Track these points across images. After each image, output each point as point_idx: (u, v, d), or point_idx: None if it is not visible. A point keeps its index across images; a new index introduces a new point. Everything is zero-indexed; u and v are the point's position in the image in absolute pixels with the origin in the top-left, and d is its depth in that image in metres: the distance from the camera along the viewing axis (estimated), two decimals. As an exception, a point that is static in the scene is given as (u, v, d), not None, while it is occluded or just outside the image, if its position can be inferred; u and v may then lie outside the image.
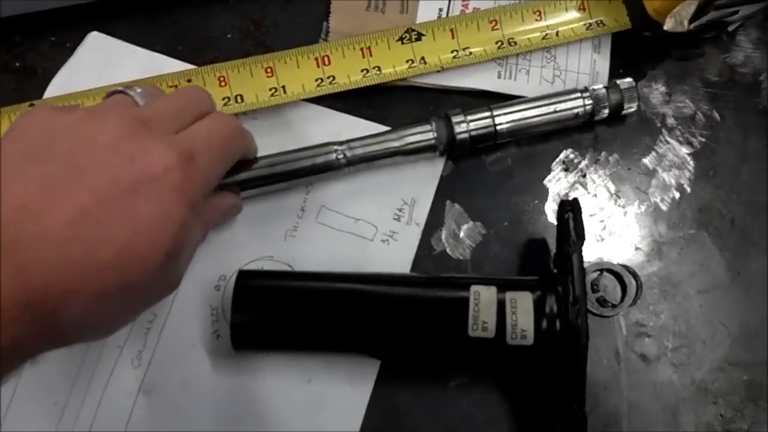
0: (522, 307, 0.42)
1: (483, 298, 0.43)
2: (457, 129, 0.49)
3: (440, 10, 0.55)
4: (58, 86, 0.51)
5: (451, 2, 0.55)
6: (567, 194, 0.51)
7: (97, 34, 0.53)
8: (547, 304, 0.43)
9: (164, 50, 0.53)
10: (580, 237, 0.44)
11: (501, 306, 0.43)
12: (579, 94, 0.51)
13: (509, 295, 0.43)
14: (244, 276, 0.44)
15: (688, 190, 0.51)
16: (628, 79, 0.51)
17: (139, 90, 0.40)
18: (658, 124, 0.53)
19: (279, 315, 0.43)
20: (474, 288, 0.43)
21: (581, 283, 0.42)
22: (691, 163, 0.52)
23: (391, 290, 0.44)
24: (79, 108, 0.37)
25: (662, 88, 0.54)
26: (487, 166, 0.52)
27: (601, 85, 0.51)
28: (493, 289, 0.43)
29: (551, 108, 0.50)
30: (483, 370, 0.47)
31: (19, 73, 0.52)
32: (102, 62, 0.52)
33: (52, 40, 0.53)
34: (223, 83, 0.51)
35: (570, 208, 0.45)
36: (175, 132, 0.38)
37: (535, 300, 0.43)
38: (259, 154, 0.48)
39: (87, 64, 0.52)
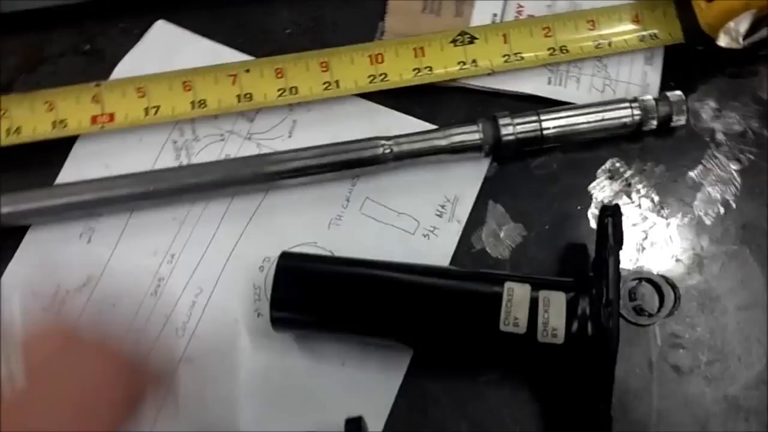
0: (554, 306, 0.43)
1: (516, 294, 0.43)
2: (504, 131, 0.50)
3: (494, 15, 0.56)
4: (124, 70, 0.54)
5: (506, 8, 0.56)
6: (610, 201, 0.51)
7: (163, 23, 0.55)
8: (580, 305, 0.43)
9: (225, 41, 0.55)
10: (618, 242, 0.44)
11: (534, 303, 0.43)
12: (628, 104, 0.51)
13: (543, 294, 0.43)
14: (286, 257, 0.46)
15: (734, 206, 0.51)
16: (678, 92, 0.52)
17: None
18: (707, 139, 0.53)
19: (317, 296, 0.45)
20: (508, 284, 0.44)
21: (616, 286, 0.43)
22: (738, 179, 0.52)
23: (427, 280, 0.45)
24: None
25: (713, 104, 0.54)
26: (532, 170, 0.52)
27: (650, 96, 0.52)
28: (527, 287, 0.44)
29: (599, 116, 0.51)
30: (513, 368, 0.48)
31: (88, 56, 0.55)
32: (167, 49, 0.55)
33: (121, 27, 0.56)
34: (279, 75, 0.53)
35: (610, 213, 0.45)
36: None
37: (569, 300, 0.43)
38: (310, 145, 0.50)
39: (152, 50, 0.55)
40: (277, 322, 0.45)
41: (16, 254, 0.50)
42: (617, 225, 0.45)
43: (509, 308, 0.43)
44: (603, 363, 0.42)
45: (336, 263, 0.47)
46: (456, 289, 0.45)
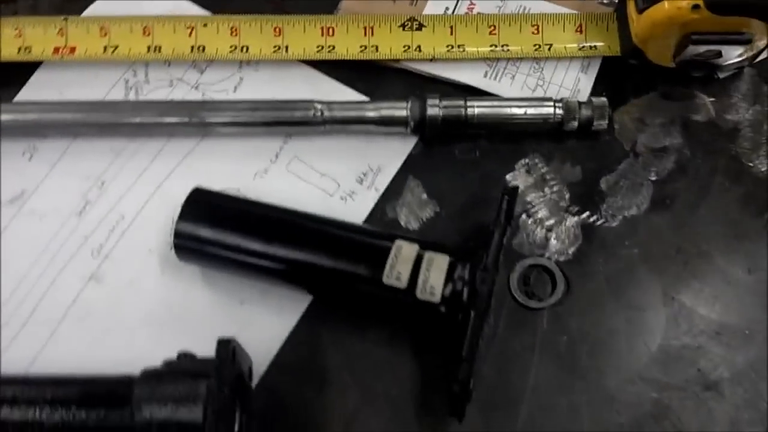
0: (436, 267, 0.45)
1: (404, 251, 0.46)
2: (430, 110, 0.53)
3: (447, 9, 0.59)
4: (94, 11, 0.58)
5: (459, 4, 0.59)
6: (522, 192, 0.53)
7: (133, -27, 0.59)
8: (460, 269, 0.45)
9: (193, -1, 0.59)
10: (507, 218, 0.47)
11: (418, 262, 0.46)
12: (552, 102, 0.54)
13: (428, 254, 0.46)
14: (197, 191, 0.49)
15: (642, 212, 0.53)
16: (602, 98, 0.54)
17: None
18: (627, 149, 0.55)
19: (222, 231, 0.47)
20: (398, 241, 0.46)
21: (495, 256, 0.45)
22: (651, 189, 0.54)
23: (326, 228, 0.48)
24: None
25: (640, 116, 0.56)
26: (455, 154, 0.55)
27: (575, 99, 0.54)
28: (416, 246, 0.46)
29: (522, 109, 0.54)
30: (396, 323, 0.50)
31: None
32: (134, -1, 0.59)
33: (101, -27, 0.60)
34: (234, 33, 0.56)
35: (507, 193, 0.48)
36: None
37: (450, 263, 0.46)
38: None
39: (122, -3, 0.59)
40: (180, 250, 0.48)
41: (-40, 161, 0.54)
42: (510, 204, 0.47)
43: (394, 262, 0.45)
44: (471, 325, 0.44)
45: (244, 204, 0.49)
46: (351, 239, 0.48)
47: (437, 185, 0.54)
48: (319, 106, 0.53)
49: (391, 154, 0.54)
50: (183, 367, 0.44)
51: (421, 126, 0.53)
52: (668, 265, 0.52)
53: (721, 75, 0.57)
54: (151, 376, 0.43)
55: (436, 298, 0.45)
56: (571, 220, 0.53)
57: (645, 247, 0.52)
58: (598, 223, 0.53)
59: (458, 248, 0.47)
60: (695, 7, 0.49)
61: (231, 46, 0.56)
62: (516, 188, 0.48)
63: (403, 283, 0.45)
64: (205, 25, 0.56)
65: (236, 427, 0.44)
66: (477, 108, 0.53)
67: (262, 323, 0.50)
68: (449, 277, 0.45)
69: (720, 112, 0.57)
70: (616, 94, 0.57)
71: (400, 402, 0.48)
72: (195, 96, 0.56)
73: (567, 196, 0.54)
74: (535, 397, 0.48)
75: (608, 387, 0.49)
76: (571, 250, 0.52)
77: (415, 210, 0.53)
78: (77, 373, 0.46)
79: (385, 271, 0.45)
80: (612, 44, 0.57)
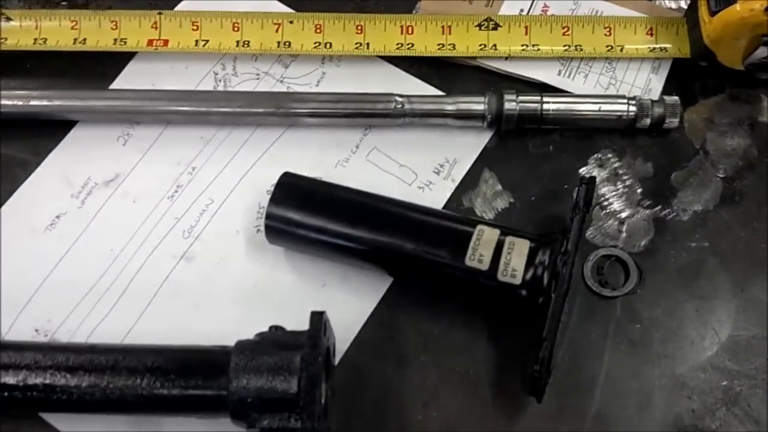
0: (517, 250, 0.47)
1: (486, 235, 0.48)
2: (507, 105, 0.55)
3: (521, 10, 0.61)
4: (186, 6, 0.62)
5: (533, 6, 0.61)
6: (596, 187, 0.55)
7: (227, -27, 0.63)
8: (541, 254, 0.47)
9: (280, -2, 0.62)
10: (586, 204, 0.48)
11: (499, 246, 0.47)
12: (625, 100, 0.56)
13: (509, 239, 0.48)
14: (287, 176, 0.51)
15: (711, 208, 0.55)
16: (675, 97, 0.56)
17: None
18: (697, 146, 0.57)
19: (309, 212, 0.50)
20: (480, 226, 0.48)
21: (575, 241, 0.47)
22: (720, 186, 0.55)
23: (409, 212, 0.50)
24: None
25: (709, 116, 0.58)
26: (529, 148, 0.57)
27: (647, 97, 0.56)
28: (497, 231, 0.48)
29: (597, 106, 0.55)
30: (477, 311, 0.51)
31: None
32: (225, -4, 0.62)
33: (193, -27, 0.63)
34: (318, 30, 0.59)
35: (585, 182, 0.49)
36: None
37: (531, 248, 0.47)
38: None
39: (213, -5, 0.62)
40: (269, 231, 0.50)
41: (60, 144, 0.57)
42: (589, 191, 0.49)
43: (477, 245, 0.47)
44: (552, 307, 0.45)
45: (332, 188, 0.52)
46: (433, 223, 0.50)
47: (511, 177, 0.56)
48: (399, 99, 0.55)
49: (467, 147, 0.57)
50: (276, 339, 0.46)
51: (497, 120, 0.55)
52: (737, 258, 0.53)
53: (788, 78, 0.58)
54: (245, 346, 0.45)
55: (518, 280, 0.47)
56: (643, 213, 0.55)
57: (714, 241, 0.54)
58: (669, 216, 0.55)
59: (538, 235, 0.49)
60: (768, 8, 0.51)
61: (315, 42, 0.58)
62: (594, 178, 0.50)
63: (485, 265, 0.47)
64: (291, 21, 0.59)
65: (323, 401, 0.46)
66: (552, 104, 0.55)
67: (343, 304, 0.52)
68: (530, 261, 0.47)
69: (787, 114, 0.58)
70: (686, 94, 0.58)
71: (476, 382, 0.50)
72: (280, 89, 0.59)
73: (639, 190, 0.55)
74: (608, 382, 0.50)
75: (680, 373, 0.50)
76: (643, 242, 0.54)
77: (490, 201, 0.55)
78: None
79: (467, 253, 0.47)
80: (682, 47, 0.58)
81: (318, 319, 0.45)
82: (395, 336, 0.51)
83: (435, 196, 0.55)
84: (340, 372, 0.50)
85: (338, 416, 0.48)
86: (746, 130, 0.58)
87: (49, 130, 0.57)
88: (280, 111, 0.55)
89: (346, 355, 0.51)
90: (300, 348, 0.44)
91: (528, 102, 0.55)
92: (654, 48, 0.59)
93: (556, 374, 0.49)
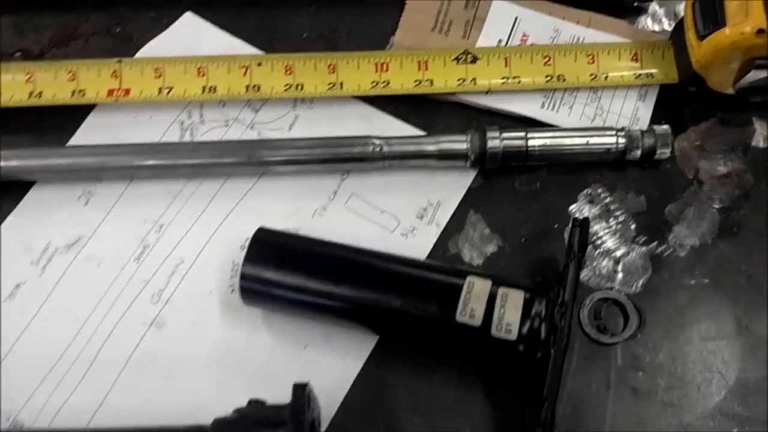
0: (511, 303, 0.44)
1: (477, 287, 0.45)
2: (490, 143, 0.52)
3: (500, 40, 0.58)
4: (147, 52, 0.58)
5: (512, 35, 0.58)
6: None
7: (191, 15, 0.60)
8: (536, 305, 0.44)
9: (246, 38, 0.59)
10: (581, 249, 0.45)
11: (492, 298, 0.44)
12: (614, 132, 0.53)
13: (501, 290, 0.45)
14: (262, 231, 0.48)
15: (709, 241, 0.52)
16: (665, 126, 0.53)
17: None
18: (690, 176, 0.54)
19: (286, 271, 0.47)
20: (470, 278, 0.45)
21: (572, 290, 0.44)
22: (717, 217, 0.53)
23: (393, 266, 0.47)
24: None
25: (701, 144, 0.55)
26: (516, 186, 0.54)
27: (637, 127, 0.53)
28: (488, 282, 0.45)
29: (584, 140, 0.53)
30: (469, 362, 0.48)
31: (116, 38, 0.60)
32: (189, 38, 0.59)
33: (152, 15, 0.60)
34: (288, 71, 0.56)
35: (578, 224, 0.47)
36: None
37: (526, 299, 0.44)
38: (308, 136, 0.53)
39: (176, 38, 0.59)
40: (245, 292, 0.47)
41: (17, 207, 0.53)
42: (583, 235, 0.46)
43: (467, 299, 0.44)
44: (551, 361, 0.42)
45: (309, 243, 0.48)
46: (418, 276, 0.47)
47: (499, 219, 0.53)
48: (377, 142, 0.52)
49: (450, 189, 0.54)
50: (255, 415, 0.42)
51: (481, 159, 0.53)
52: (740, 294, 0.51)
53: (782, 100, 0.56)
54: (223, 425, 0.42)
55: (513, 335, 0.44)
56: (639, 251, 0.52)
57: (715, 276, 0.51)
58: (666, 253, 0.52)
59: (531, 284, 0.46)
60: (760, 31, 0.49)
61: (286, 85, 0.55)
62: (587, 219, 0.47)
63: (477, 320, 0.44)
64: (259, 64, 0.56)
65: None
66: (538, 140, 0.52)
67: (327, 367, 0.48)
68: (526, 314, 0.44)
69: (781, 137, 0.56)
70: (675, 121, 0.56)
71: (474, 444, 0.47)
72: (250, 135, 0.55)
73: (633, 226, 0.53)
74: (613, 435, 0.47)
75: (687, 422, 0.47)
76: (640, 282, 0.51)
77: (478, 245, 0.52)
78: (142, 424, 0.45)
79: (458, 308, 0.44)
80: (669, 72, 0.56)
81: (301, 392, 0.42)
82: (384, 398, 0.48)
83: (419, 243, 0.52)
84: (327, 441, 0.47)
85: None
86: (739, 155, 0.55)
87: (4, 191, 0.53)
88: (252, 160, 0.52)
89: (332, 423, 0.47)
90: (282, 425, 0.41)
91: (512, 139, 0.52)
92: (640, 74, 0.56)
93: (557, 430, 0.46)
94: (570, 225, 0.47)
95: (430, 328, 0.46)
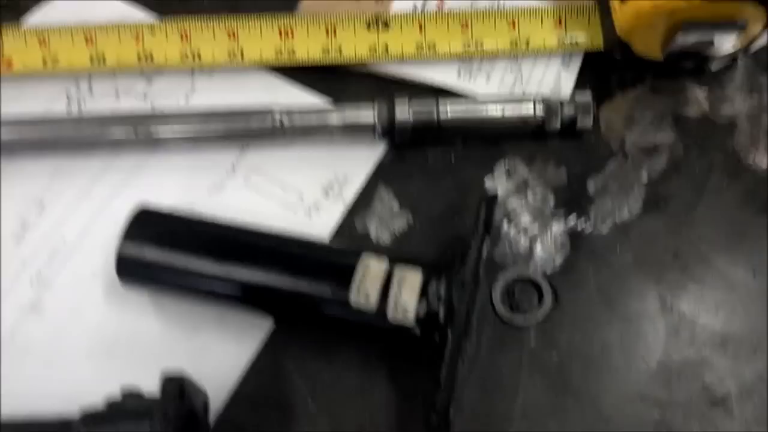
0: (408, 284, 0.41)
1: (372, 268, 0.41)
2: (399, 114, 0.49)
3: (415, 6, 0.55)
4: (34, 21, 0.54)
5: (427, 1, 0.55)
6: (503, 198, 0.49)
7: (76, -19, 0.55)
8: (435, 286, 0.41)
9: (141, 2, 0.55)
10: (486, 227, 0.42)
11: (388, 279, 0.41)
12: (532, 101, 0.49)
13: (399, 271, 0.41)
14: (142, 209, 0.44)
15: (634, 216, 0.49)
16: (587, 95, 0.50)
17: None
18: (615, 147, 0.51)
19: (171, 252, 0.43)
20: (365, 258, 0.42)
21: (474, 270, 0.41)
22: (643, 189, 0.50)
23: (286, 246, 0.43)
24: None
25: (628, 112, 0.52)
26: (429, 159, 0.50)
27: (557, 96, 0.50)
28: (385, 262, 0.42)
29: (500, 109, 0.49)
30: (373, 349, 0.45)
31: (2, 8, 0.55)
32: (79, 6, 0.54)
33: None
34: (184, 38, 0.52)
35: (485, 201, 0.43)
36: None
37: (424, 279, 0.41)
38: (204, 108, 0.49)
39: (65, 6, 0.55)
40: (123, 274, 0.43)
41: None
42: (489, 212, 0.43)
43: (362, 281, 0.41)
44: (449, 348, 0.39)
45: (195, 222, 0.45)
46: (312, 257, 0.43)
47: (410, 194, 0.49)
48: (277, 114, 0.49)
49: (358, 163, 0.50)
50: (127, 407, 0.39)
51: (390, 131, 0.49)
52: (665, 271, 0.47)
53: (714, 67, 0.52)
54: (90, 418, 0.38)
55: (410, 319, 0.40)
56: (557, 227, 0.48)
57: (639, 253, 0.48)
58: (587, 229, 0.48)
59: (434, 262, 0.42)
60: (683, -8, 0.45)
61: (181, 53, 0.51)
62: (495, 196, 0.44)
63: (372, 304, 0.40)
64: (152, 30, 0.52)
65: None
66: (450, 110, 0.49)
67: (218, 352, 0.45)
68: (423, 295, 0.40)
69: (714, 106, 0.52)
70: (601, 90, 0.52)
71: (374, 434, 0.43)
72: (144, 107, 0.51)
73: (551, 201, 0.49)
74: (524, 423, 0.43)
75: (605, 408, 0.44)
76: (558, 260, 0.48)
77: (387, 222, 0.48)
78: (14, 413, 0.41)
79: (351, 291, 0.41)
80: (595, 38, 0.53)
81: (170, 385, 0.38)
82: (280, 384, 0.45)
83: (324, 221, 0.48)
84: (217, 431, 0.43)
85: (215, 487, 0.42)
86: (670, 125, 0.52)
87: None
88: (139, 134, 0.48)
89: (224, 412, 0.44)
90: (148, 417, 0.37)
91: (422, 108, 0.49)
92: (564, 41, 0.53)
93: (464, 417, 0.43)
94: (478, 202, 0.44)
95: (324, 311, 0.42)
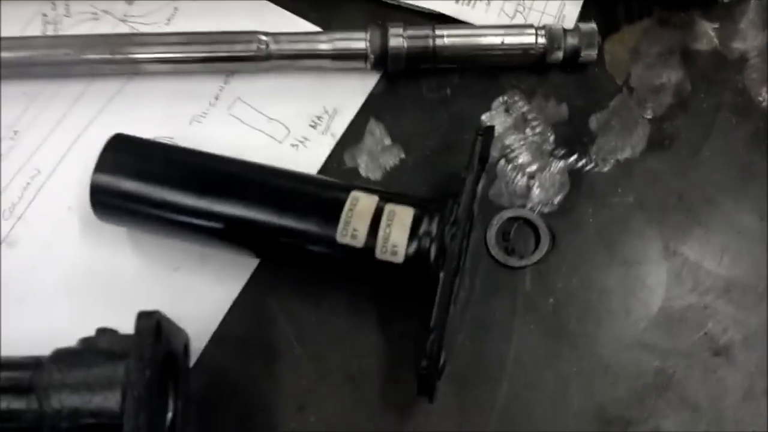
0: (398, 221, 0.39)
1: (360, 204, 0.39)
2: (393, 41, 0.46)
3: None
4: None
5: None
6: (500, 135, 0.47)
7: None
8: (427, 224, 0.39)
9: None
10: (481, 161, 0.40)
11: (377, 216, 0.39)
12: (533, 30, 0.47)
13: (389, 207, 0.39)
14: (119, 138, 0.41)
15: (637, 155, 0.46)
16: (591, 24, 0.47)
17: None
18: (620, 82, 0.48)
19: (148, 184, 0.40)
20: (354, 193, 0.39)
21: (468, 207, 0.38)
22: (648, 127, 0.47)
23: (271, 179, 0.41)
24: None
25: (634, 45, 0.49)
26: (423, 91, 0.48)
27: (560, 25, 0.47)
28: (375, 198, 0.39)
29: (499, 38, 0.47)
30: (363, 291, 0.43)
31: None
32: None
33: None
34: (166, -44, 0.48)
35: (481, 133, 0.41)
36: None
37: (416, 217, 0.39)
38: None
39: None
40: (99, 207, 0.41)
41: None
42: (485, 145, 0.40)
43: (349, 218, 0.39)
44: (440, 290, 0.37)
45: (173, 152, 0.42)
46: (299, 191, 0.41)
47: (402, 128, 0.47)
48: (263, 38, 0.46)
49: (349, 94, 0.47)
50: (101, 347, 0.37)
51: (383, 60, 0.46)
52: (669, 214, 0.45)
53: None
54: (63, 357, 0.36)
55: (399, 257, 0.38)
56: (557, 165, 0.46)
57: (641, 194, 0.46)
58: (588, 167, 0.46)
59: (425, 199, 0.40)
60: None
61: (158, -23, 0.48)
62: (491, 128, 0.41)
63: (360, 241, 0.38)
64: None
65: (169, 414, 0.38)
66: (447, 37, 0.46)
67: (200, 292, 0.43)
68: (414, 233, 0.38)
69: (724, 41, 0.50)
70: (607, 20, 0.50)
71: (361, 379, 0.42)
72: (123, 31, 0.48)
73: (551, 138, 0.47)
74: (517, 369, 0.42)
75: (602, 355, 0.42)
76: (556, 200, 0.45)
77: (378, 157, 0.46)
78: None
79: (338, 227, 0.38)
80: (602, -37, 0.49)
81: (146, 321, 0.36)
82: (264, 327, 0.43)
83: (312, 155, 0.46)
84: (197, 375, 0.41)
85: (195, 429, 0.40)
86: (678, 60, 0.49)
87: None
88: (118, 57, 0.45)
89: (205, 354, 0.42)
90: (124, 357, 0.35)
91: (418, 36, 0.46)
92: (569, -35, 0.49)
93: (456, 363, 0.41)
94: (474, 135, 0.41)
95: (310, 249, 0.40)
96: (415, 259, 0.38)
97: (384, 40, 0.46)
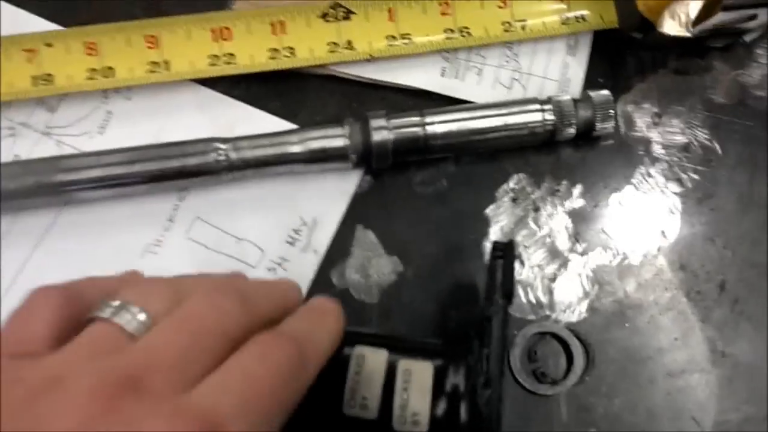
0: (417, 383, 0.32)
1: (368, 364, 0.32)
2: (376, 135, 0.38)
3: (381, -14, 0.44)
4: None
5: (396, -22, 0.44)
6: (511, 231, 0.40)
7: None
8: (452, 380, 0.32)
9: (37, 10, 0.42)
10: (507, 295, 0.33)
11: (390, 378, 0.32)
12: (539, 106, 0.40)
13: (403, 365, 0.32)
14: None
15: (671, 240, 0.40)
16: (605, 92, 0.40)
17: (133, 307, 0.24)
18: (641, 152, 0.42)
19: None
20: (359, 350, 0.32)
21: (499, 359, 0.31)
22: (678, 205, 0.41)
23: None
24: (35, 364, 0.22)
25: (651, 107, 0.43)
26: (415, 186, 0.41)
27: (568, 96, 0.40)
28: (383, 354, 0.32)
29: (500, 120, 0.40)
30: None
31: None
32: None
33: None
34: (91, 51, 0.40)
35: (501, 253, 0.34)
36: (186, 386, 0.22)
37: (436, 374, 0.32)
38: (129, 145, 0.38)
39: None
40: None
41: None
42: (508, 271, 0.33)
43: (356, 384, 0.32)
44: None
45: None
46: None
47: (396, 234, 0.40)
48: (222, 147, 0.38)
49: (329, 199, 0.40)
50: None
51: (367, 158, 0.39)
52: (712, 308, 0.39)
53: (749, 38, 0.43)
54: None
55: (423, 427, 0.31)
56: (579, 262, 0.39)
57: (680, 287, 0.40)
58: (615, 261, 0.40)
59: (444, 343, 0.33)
60: (728, -37, 0.35)
61: (89, 70, 0.40)
62: (511, 243, 0.34)
63: (372, 412, 0.31)
64: (49, 44, 0.40)
65: None
66: (438, 124, 0.39)
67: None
68: (438, 392, 0.31)
69: (751, 90, 0.43)
70: (617, 80, 0.43)
71: None
72: (47, 145, 0.40)
73: (569, 228, 0.40)
74: None
75: (658, 492, 0.36)
76: (584, 306, 0.39)
77: (371, 273, 0.39)
78: None
79: (345, 397, 0.31)
80: (605, 13, 0.43)
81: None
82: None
83: (292, 278, 0.38)
84: None
85: None
86: (700, 116, 0.43)
87: None
88: (43, 188, 0.37)
89: None
90: None
91: (404, 125, 0.39)
92: (568, 18, 0.43)
93: None
94: (490, 253, 0.34)
95: (311, 424, 0.33)
96: (443, 425, 0.31)
97: (365, 134, 0.38)
